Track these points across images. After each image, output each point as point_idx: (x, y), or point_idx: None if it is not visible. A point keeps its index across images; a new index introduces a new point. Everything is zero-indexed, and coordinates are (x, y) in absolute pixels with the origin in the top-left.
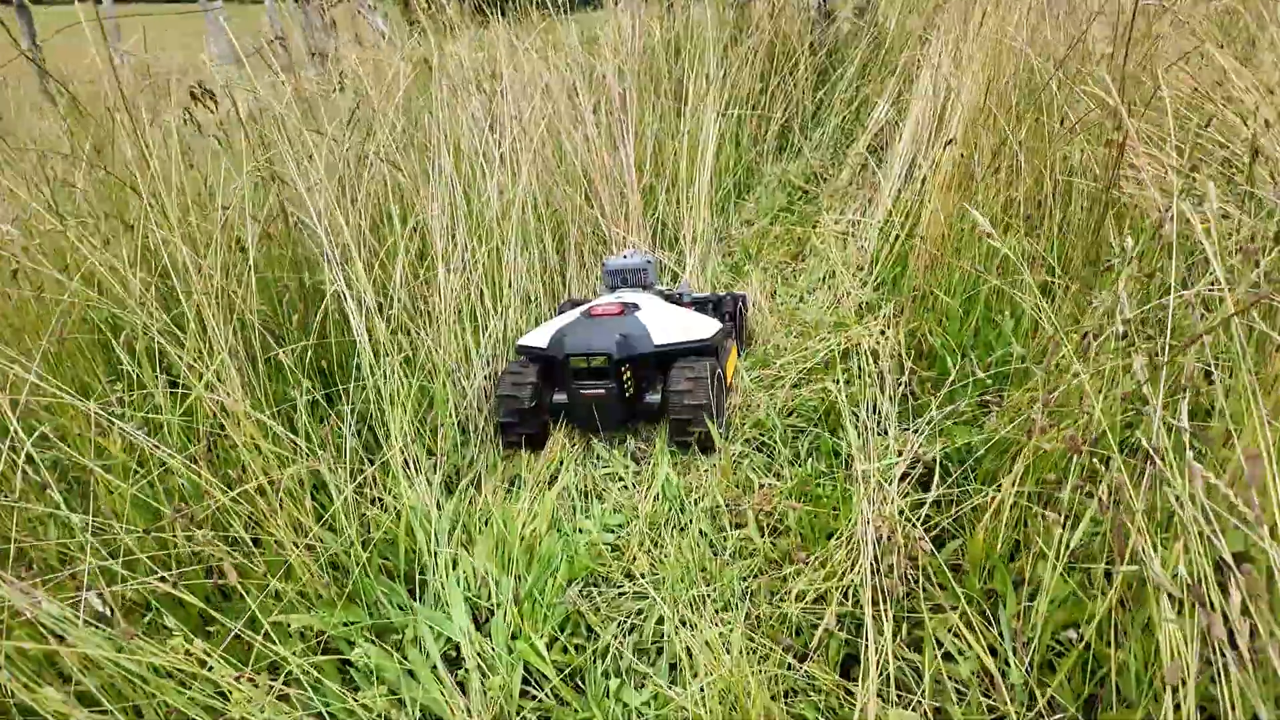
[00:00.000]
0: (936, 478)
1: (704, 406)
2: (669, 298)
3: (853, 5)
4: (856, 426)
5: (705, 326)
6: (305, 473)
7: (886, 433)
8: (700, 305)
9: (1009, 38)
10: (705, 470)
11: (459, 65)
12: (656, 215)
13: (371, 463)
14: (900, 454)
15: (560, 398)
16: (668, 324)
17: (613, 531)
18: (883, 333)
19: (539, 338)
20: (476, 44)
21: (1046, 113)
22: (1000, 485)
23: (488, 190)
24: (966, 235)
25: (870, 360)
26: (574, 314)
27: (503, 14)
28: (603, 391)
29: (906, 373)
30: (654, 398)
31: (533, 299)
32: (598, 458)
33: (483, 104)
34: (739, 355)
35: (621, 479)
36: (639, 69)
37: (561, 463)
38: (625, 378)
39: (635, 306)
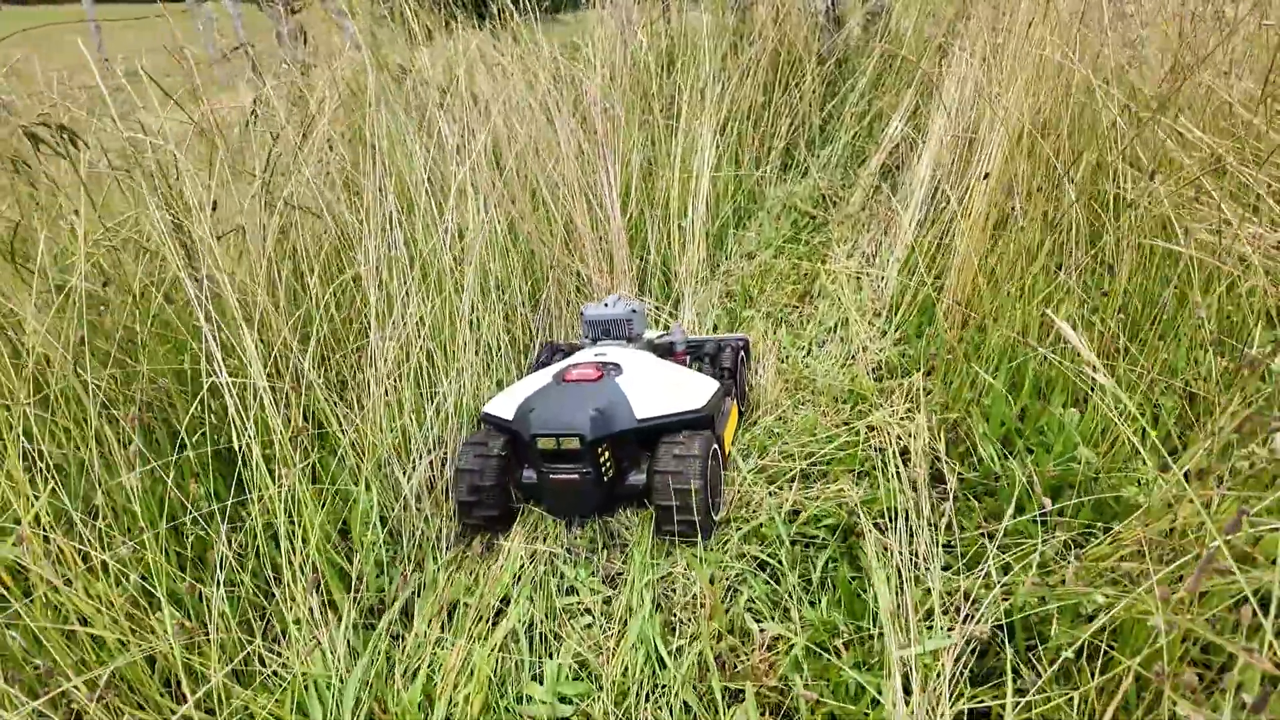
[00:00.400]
0: (1006, 663)
1: (695, 494)
2: (659, 349)
3: (865, 11)
4: (884, 564)
5: (698, 391)
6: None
7: (923, 570)
8: (695, 352)
9: (1056, 50)
10: (692, 595)
11: (419, 81)
12: (644, 250)
13: (264, 617)
14: (948, 621)
15: (530, 475)
16: (654, 391)
17: (570, 703)
18: (909, 415)
19: (505, 406)
20: (447, 54)
21: (1105, 145)
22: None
23: (440, 230)
24: (1005, 285)
25: (896, 455)
26: (545, 377)
27: (480, 18)
28: (576, 478)
29: (947, 482)
30: (638, 478)
31: (496, 351)
32: (561, 576)
33: (448, 127)
34: (739, 415)
35: (588, 610)
36: (626, 83)
37: (517, 578)
38: (603, 459)
39: (616, 368)
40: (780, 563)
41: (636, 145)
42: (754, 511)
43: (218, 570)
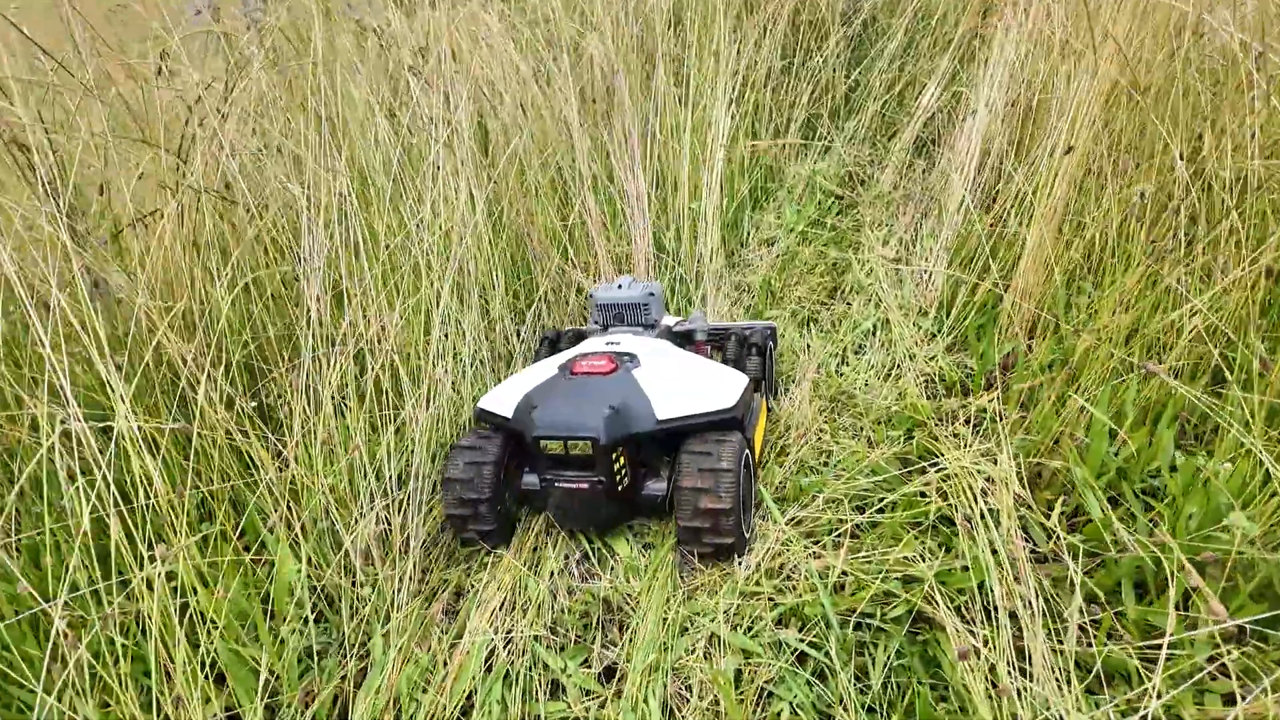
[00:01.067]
0: None
1: (726, 512)
2: (678, 337)
3: None
4: (977, 675)
5: (728, 388)
6: None
7: (1037, 691)
8: (718, 341)
9: None
10: (713, 698)
11: (390, 42)
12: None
13: None
14: None
15: (531, 481)
16: (677, 387)
17: None
18: (988, 456)
19: (503, 401)
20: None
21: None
22: None
23: (410, 220)
24: (1091, 284)
25: (978, 509)
26: (550, 368)
27: None
28: (585, 486)
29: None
30: (658, 487)
31: (473, 362)
32: (544, 667)
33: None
34: (768, 411)
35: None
36: (627, 44)
37: (486, 665)
38: (618, 466)
39: (633, 359)
40: (828, 656)
41: (640, 117)
42: (791, 580)
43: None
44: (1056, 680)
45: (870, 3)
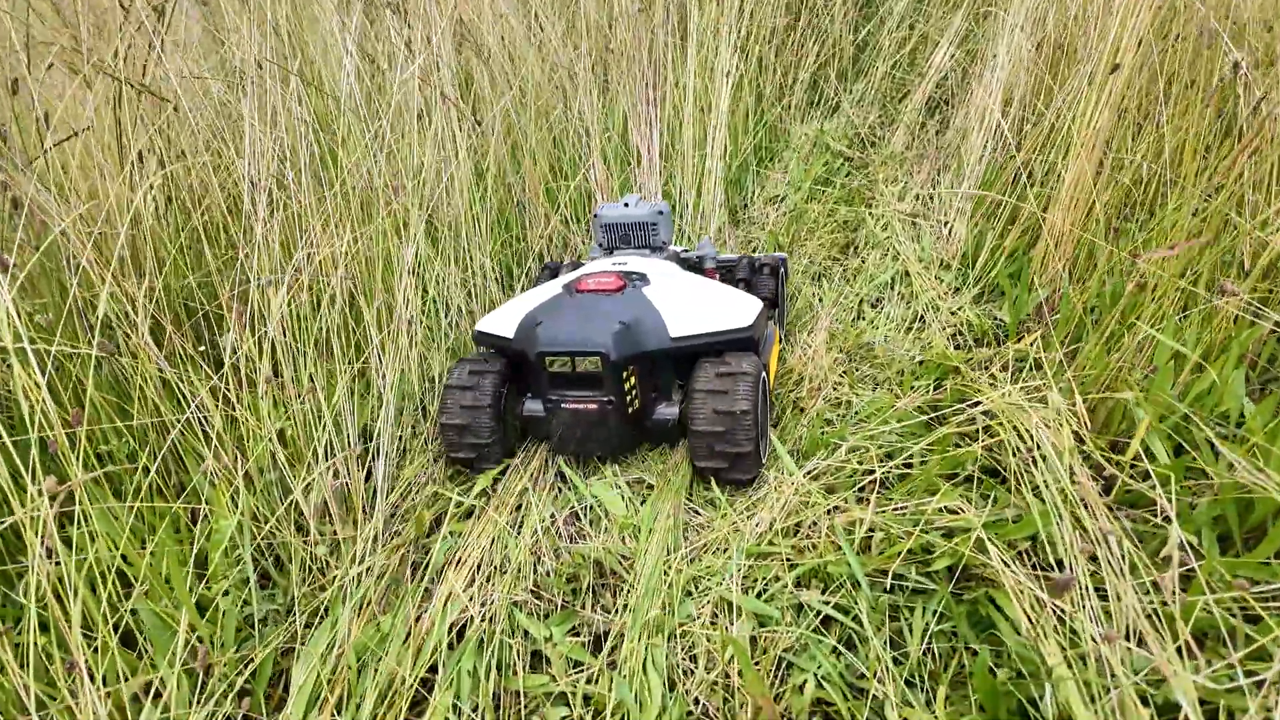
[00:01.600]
0: None
1: (746, 455)
2: (687, 263)
3: None
4: (1057, 638)
5: (742, 309)
6: None
7: (1130, 655)
8: (727, 273)
9: None
10: (722, 671)
11: None
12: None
13: None
14: None
15: (534, 407)
16: (689, 306)
17: None
18: (1034, 396)
19: (503, 322)
20: None
21: None
22: None
23: (371, 139)
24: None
25: (1040, 455)
26: (553, 288)
27: None
28: (594, 407)
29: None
30: (669, 411)
31: (447, 311)
32: (525, 635)
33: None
34: (780, 342)
35: (564, 698)
36: None
37: (457, 633)
38: (629, 386)
39: (642, 278)
40: (857, 621)
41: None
42: (810, 538)
43: None
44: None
45: None
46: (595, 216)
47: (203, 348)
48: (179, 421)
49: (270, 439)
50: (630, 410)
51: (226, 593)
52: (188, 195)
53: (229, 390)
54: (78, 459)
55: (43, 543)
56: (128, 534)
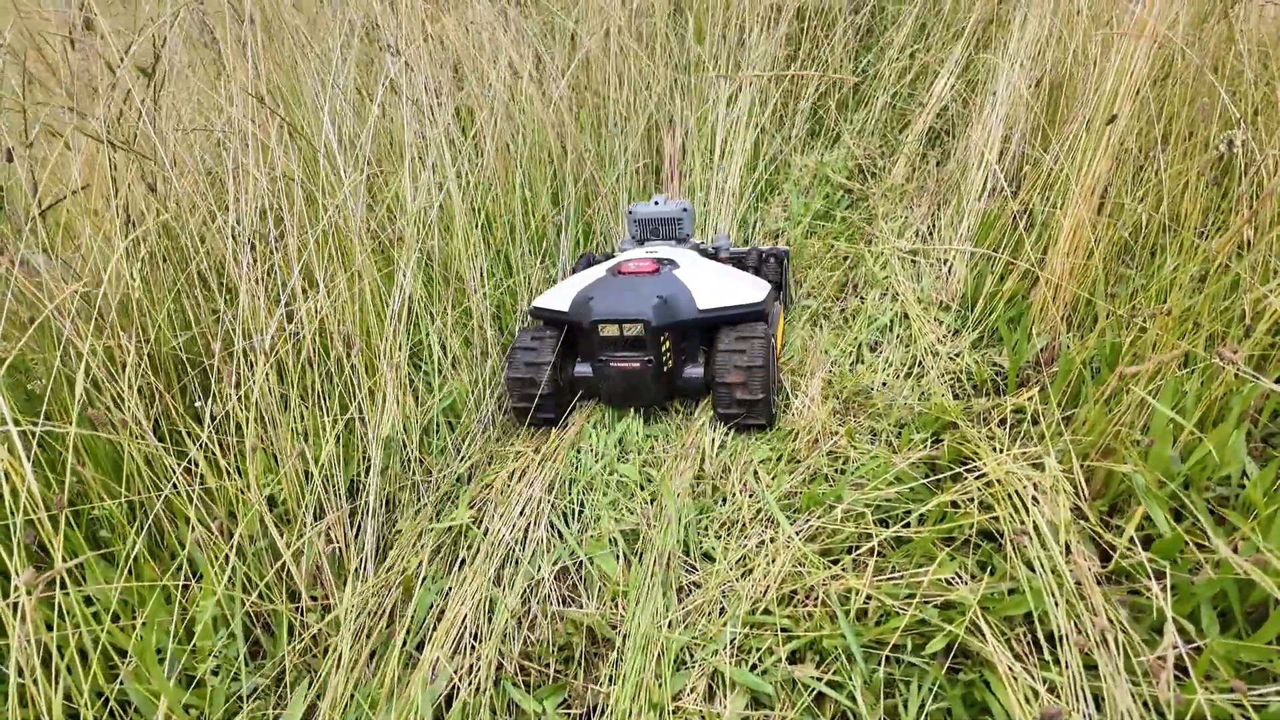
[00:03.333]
0: None
1: (759, 402)
2: (705, 253)
3: None
4: None
5: (755, 288)
6: None
7: None
8: (739, 262)
9: None
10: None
11: None
12: None
13: None
14: None
15: (583, 370)
16: (712, 285)
17: None
18: (1030, 459)
19: (558, 299)
20: None
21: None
22: None
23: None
24: (1135, 270)
25: (1035, 528)
26: (599, 271)
27: None
28: (638, 365)
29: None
30: (696, 371)
31: (436, 364)
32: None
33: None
34: (785, 317)
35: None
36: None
37: None
38: (664, 349)
39: (672, 263)
40: (852, 699)
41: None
42: (806, 606)
43: None
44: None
45: None
46: (630, 212)
47: (197, 404)
48: (167, 490)
49: (259, 504)
50: (665, 369)
51: (216, 670)
52: (171, 248)
53: (215, 453)
54: (59, 543)
55: (21, 633)
56: (119, 608)
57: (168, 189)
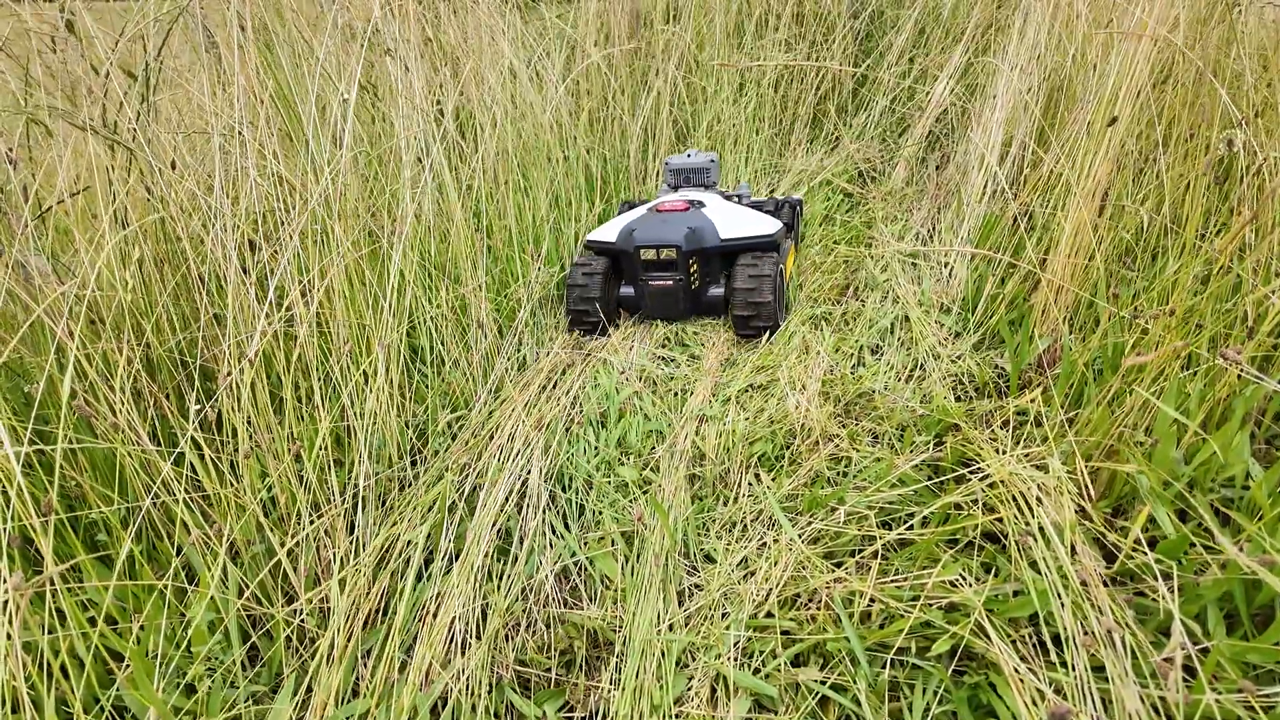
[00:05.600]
0: None
1: (767, 304)
2: (729, 199)
3: None
4: None
5: (768, 224)
6: None
7: None
8: (758, 207)
9: None
10: None
11: None
12: None
13: None
14: None
15: (628, 291)
16: (732, 220)
17: None
18: (1032, 460)
19: (608, 233)
20: None
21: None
22: None
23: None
24: (1138, 272)
25: (1040, 530)
26: (641, 210)
27: None
28: (670, 283)
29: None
30: (718, 291)
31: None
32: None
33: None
34: (795, 253)
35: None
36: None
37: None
38: (692, 270)
39: (700, 204)
40: (856, 702)
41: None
42: (809, 607)
43: None
44: None
45: None
46: (666, 164)
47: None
48: (157, 487)
49: (255, 510)
50: (693, 287)
51: (212, 671)
52: (170, 251)
53: (210, 456)
54: (49, 548)
55: (10, 637)
56: (115, 611)
57: (167, 191)
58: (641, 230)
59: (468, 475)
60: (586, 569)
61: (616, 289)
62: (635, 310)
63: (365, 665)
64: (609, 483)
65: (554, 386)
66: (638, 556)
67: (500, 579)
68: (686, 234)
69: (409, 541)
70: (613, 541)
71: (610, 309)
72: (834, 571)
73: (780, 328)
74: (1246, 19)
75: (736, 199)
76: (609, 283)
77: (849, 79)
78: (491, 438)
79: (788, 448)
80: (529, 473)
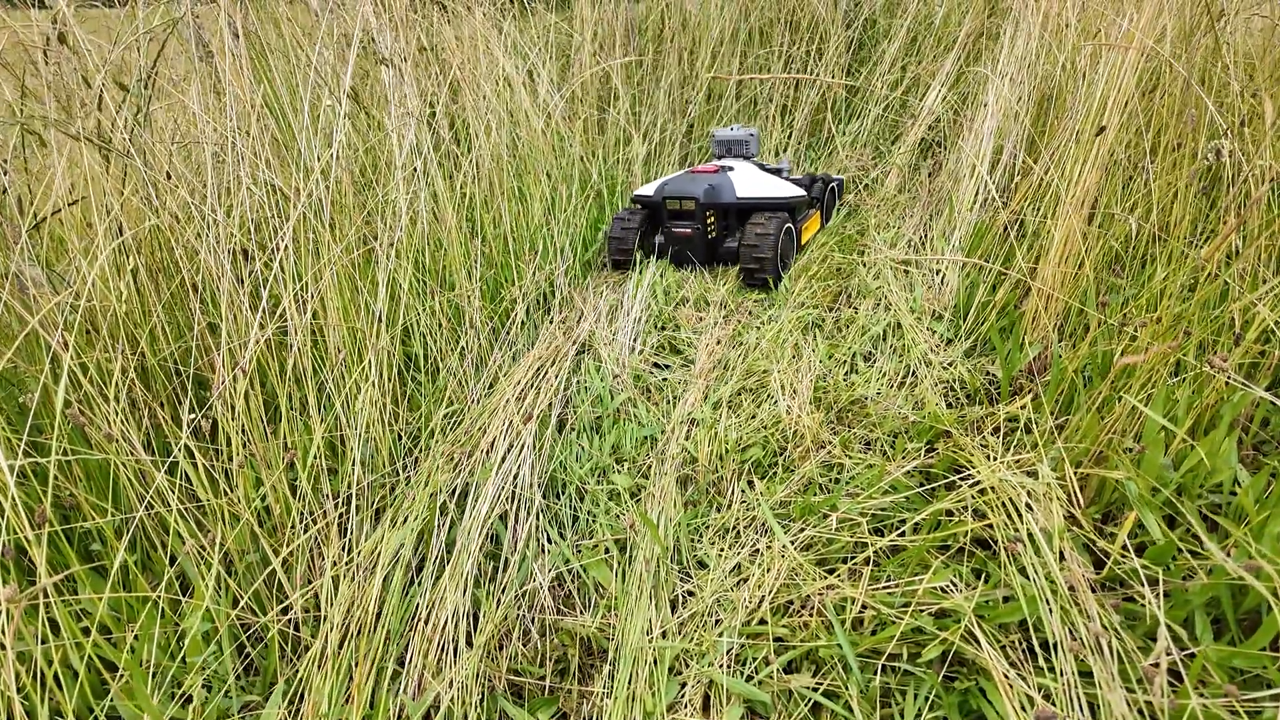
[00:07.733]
0: None
1: (769, 259)
2: (767, 170)
3: None
4: None
5: (785, 189)
6: None
7: None
8: (795, 182)
9: None
10: None
11: None
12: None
13: None
14: None
15: (659, 238)
16: (751, 183)
17: None
18: (1023, 467)
19: (649, 189)
20: None
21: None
22: None
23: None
24: (1127, 279)
25: (1029, 536)
26: (679, 171)
27: None
28: (689, 231)
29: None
30: (732, 244)
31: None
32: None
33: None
34: (823, 223)
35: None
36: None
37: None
38: (709, 221)
39: (729, 169)
40: (848, 708)
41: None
42: (801, 614)
43: None
44: None
45: (871, 5)
46: (712, 135)
47: (192, 415)
48: (150, 495)
49: (249, 519)
50: (710, 237)
51: (207, 685)
52: (166, 260)
53: (205, 466)
54: (43, 558)
55: (4, 647)
56: (110, 621)
57: (161, 201)
58: (672, 185)
59: (460, 474)
60: (580, 576)
61: (652, 238)
62: (664, 253)
63: (357, 672)
64: (602, 490)
65: (543, 376)
66: (630, 564)
67: (492, 584)
68: (706, 189)
69: (400, 544)
70: (606, 549)
71: (641, 250)
72: (826, 578)
73: (781, 279)
74: (1233, 29)
75: (775, 171)
76: (640, 233)
77: (839, 80)
78: (484, 432)
79: (780, 454)
80: (520, 476)
